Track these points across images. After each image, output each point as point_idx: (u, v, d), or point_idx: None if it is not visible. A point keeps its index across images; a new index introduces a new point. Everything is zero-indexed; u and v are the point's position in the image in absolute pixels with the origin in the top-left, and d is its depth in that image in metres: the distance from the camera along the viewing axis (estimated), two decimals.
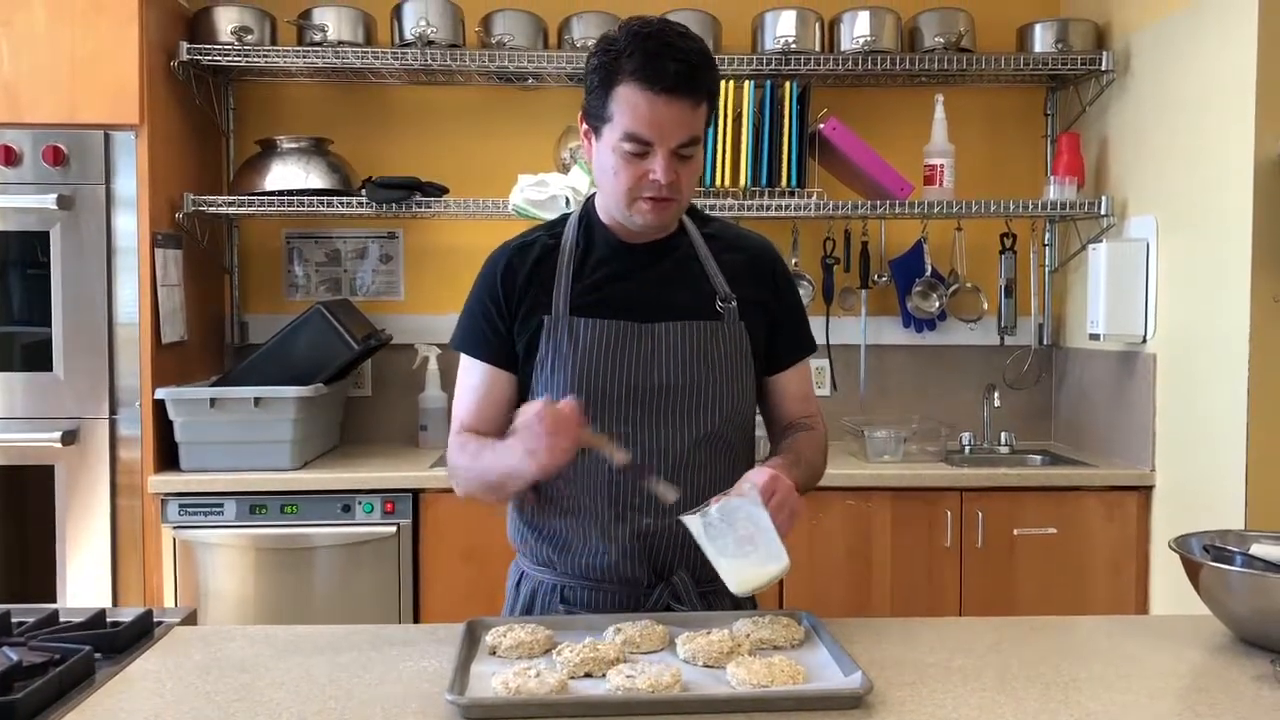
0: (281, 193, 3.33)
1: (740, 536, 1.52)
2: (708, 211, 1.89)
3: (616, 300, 1.70)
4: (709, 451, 1.71)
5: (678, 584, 1.69)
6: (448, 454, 1.77)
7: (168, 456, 3.13)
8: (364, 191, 3.35)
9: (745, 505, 1.53)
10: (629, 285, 1.72)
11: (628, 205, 1.65)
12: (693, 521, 1.55)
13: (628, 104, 1.59)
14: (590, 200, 1.79)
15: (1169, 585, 3.04)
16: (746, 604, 1.75)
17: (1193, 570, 1.61)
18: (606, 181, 1.67)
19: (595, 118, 1.64)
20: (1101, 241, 3.26)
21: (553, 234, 1.77)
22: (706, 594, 1.70)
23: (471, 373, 1.77)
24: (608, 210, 1.73)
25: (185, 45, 3.25)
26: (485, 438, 1.71)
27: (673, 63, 1.57)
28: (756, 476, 1.57)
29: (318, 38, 3.32)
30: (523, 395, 1.73)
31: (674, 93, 1.57)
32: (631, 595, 1.70)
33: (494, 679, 1.36)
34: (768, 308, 1.77)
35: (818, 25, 3.40)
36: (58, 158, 3.04)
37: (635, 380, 1.68)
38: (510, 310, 1.72)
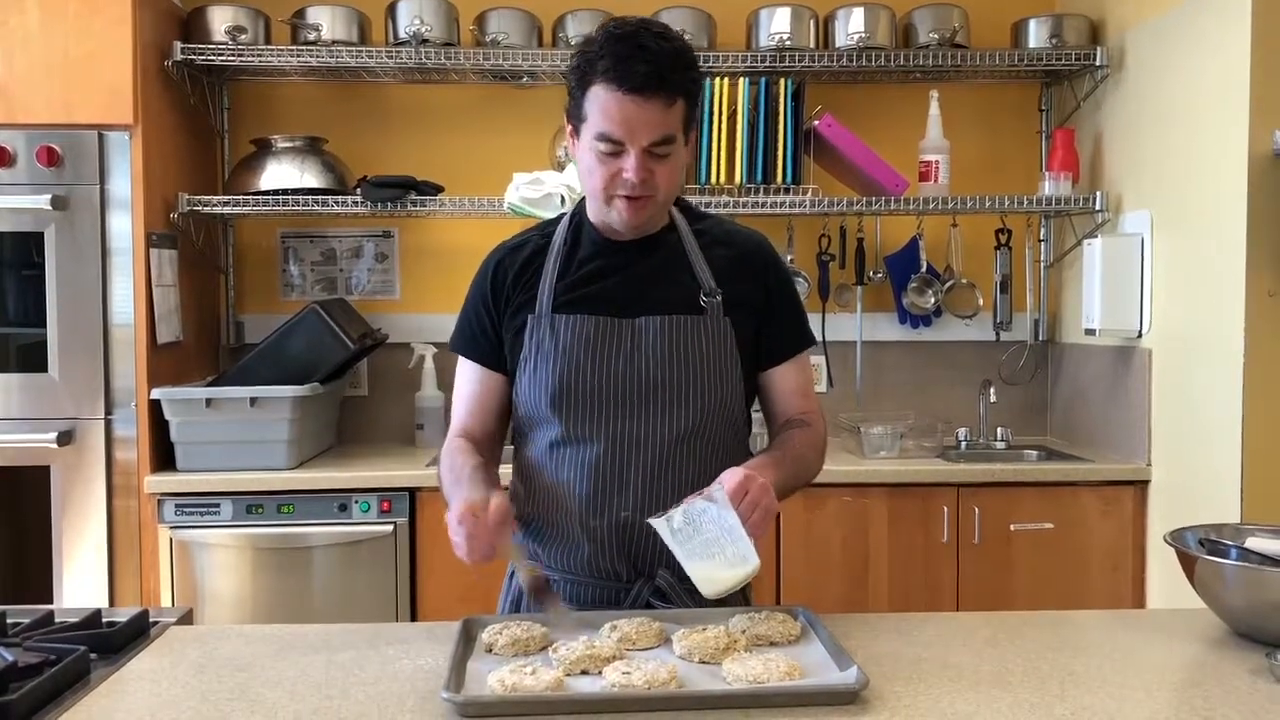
0: (276, 192, 3.33)
1: (707, 539, 1.51)
2: (704, 209, 1.89)
3: (598, 296, 1.72)
4: (693, 447, 1.70)
5: (662, 583, 1.69)
6: (441, 452, 1.79)
7: (164, 457, 3.13)
8: (359, 191, 3.34)
9: (711, 508, 1.51)
10: (612, 281, 1.73)
11: (605, 203, 1.69)
12: (660, 525, 1.55)
13: (600, 104, 1.62)
14: (583, 200, 1.81)
15: (1165, 579, 3.04)
16: (737, 600, 1.76)
17: (1188, 564, 1.61)
18: (585, 180, 1.70)
19: (574, 117, 1.68)
20: (1096, 237, 3.27)
21: (544, 234, 1.81)
22: (694, 590, 1.70)
23: (467, 374, 1.80)
24: (592, 208, 1.76)
25: (179, 45, 3.25)
26: (466, 462, 1.69)
27: (642, 64, 1.59)
28: (728, 477, 1.56)
29: (312, 37, 3.32)
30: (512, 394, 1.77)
31: (643, 93, 1.60)
32: (611, 590, 1.71)
33: (490, 677, 1.36)
34: (757, 303, 1.77)
35: (812, 22, 3.40)
36: (52, 158, 3.04)
37: (616, 375, 1.69)
38: (499, 310, 1.76)
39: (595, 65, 1.61)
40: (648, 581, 1.70)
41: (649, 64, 1.59)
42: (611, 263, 1.74)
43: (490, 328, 1.77)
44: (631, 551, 1.69)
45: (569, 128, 1.71)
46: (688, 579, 1.62)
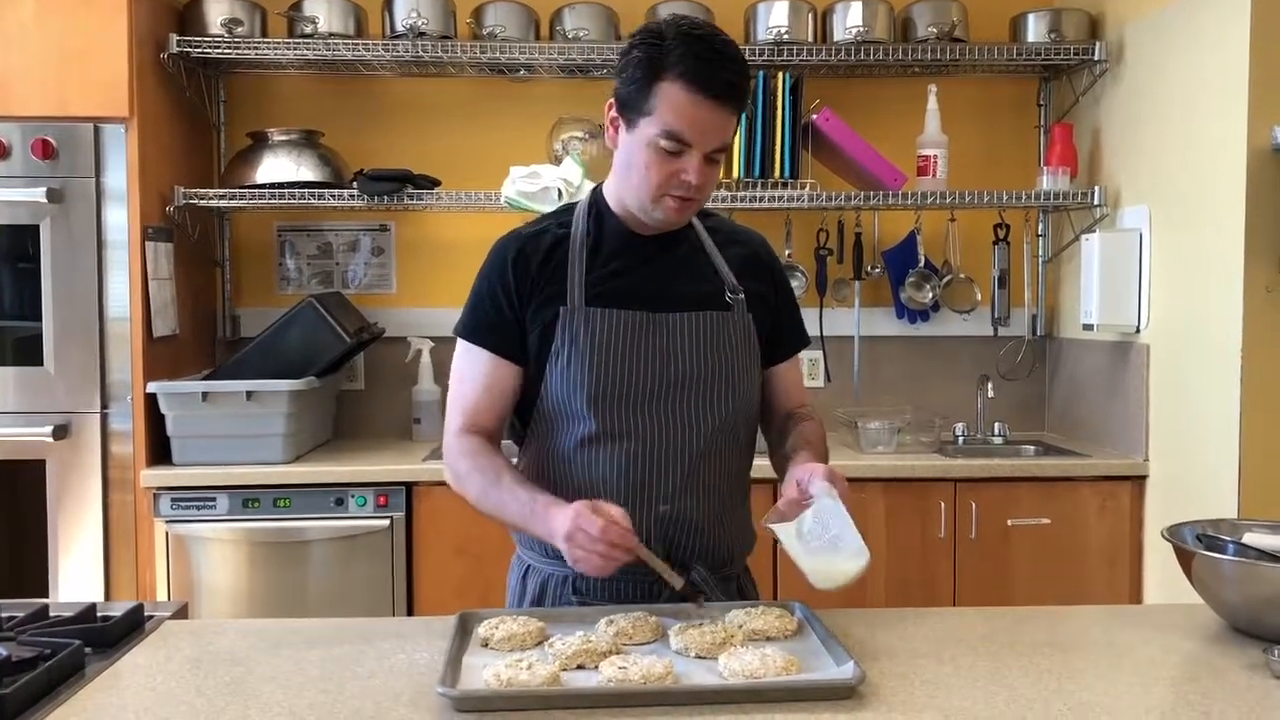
0: (273, 185, 3.32)
1: (831, 537, 1.53)
2: (705, 207, 1.89)
3: (630, 291, 1.69)
4: (726, 440, 1.72)
5: (697, 578, 1.66)
6: (449, 454, 1.71)
7: (160, 451, 3.12)
8: (355, 184, 3.33)
9: (834, 506, 1.53)
10: (642, 275, 1.71)
11: (652, 200, 1.64)
12: (784, 530, 1.55)
13: (671, 102, 1.57)
14: (598, 190, 1.77)
15: (1162, 575, 3.04)
16: (750, 593, 1.77)
17: (1185, 559, 1.61)
18: (635, 174, 1.64)
19: (632, 109, 1.61)
20: (1095, 232, 3.26)
21: (561, 223, 1.74)
22: (725, 577, 1.72)
23: (475, 363, 1.71)
24: (622, 201, 1.70)
25: (175, 37, 3.24)
26: (501, 462, 1.67)
27: (722, 70, 1.57)
28: (816, 474, 1.56)
29: (308, 30, 3.31)
30: (534, 387, 1.70)
31: (720, 99, 1.58)
32: (646, 584, 1.67)
33: (486, 671, 1.36)
34: (769, 301, 1.79)
35: (810, 16, 3.39)
36: (47, 151, 3.03)
37: (652, 371, 1.67)
38: (522, 299, 1.69)
39: (671, 61, 1.57)
40: (684, 573, 1.67)
41: (728, 70, 1.58)
42: (638, 257, 1.72)
43: (511, 315, 1.69)
44: (669, 543, 1.68)
45: (614, 116, 1.65)
46: (717, 567, 1.62)
